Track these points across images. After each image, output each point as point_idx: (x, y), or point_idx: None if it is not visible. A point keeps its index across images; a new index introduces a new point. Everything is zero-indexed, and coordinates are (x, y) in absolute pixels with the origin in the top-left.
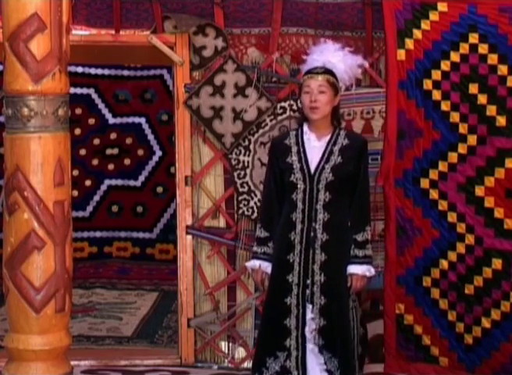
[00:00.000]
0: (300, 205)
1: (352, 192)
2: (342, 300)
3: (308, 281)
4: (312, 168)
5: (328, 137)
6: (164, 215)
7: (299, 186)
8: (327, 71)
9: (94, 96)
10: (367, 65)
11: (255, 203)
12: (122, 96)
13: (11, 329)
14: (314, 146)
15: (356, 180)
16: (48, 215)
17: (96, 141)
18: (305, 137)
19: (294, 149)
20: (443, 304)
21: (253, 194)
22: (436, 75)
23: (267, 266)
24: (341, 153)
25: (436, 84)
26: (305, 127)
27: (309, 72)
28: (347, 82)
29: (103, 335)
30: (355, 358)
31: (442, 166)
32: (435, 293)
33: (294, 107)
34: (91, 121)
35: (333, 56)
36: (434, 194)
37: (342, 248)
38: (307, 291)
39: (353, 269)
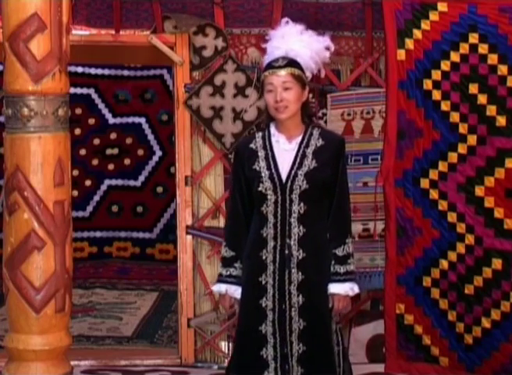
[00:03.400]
0: (271, 218)
1: (330, 200)
2: (324, 323)
3: (284, 306)
4: (283, 175)
5: (299, 138)
6: (164, 215)
7: (269, 197)
8: (290, 63)
9: (94, 96)
10: (332, 48)
11: None
12: (122, 96)
13: (11, 329)
14: (285, 149)
15: (334, 186)
16: (48, 215)
17: (96, 141)
18: (273, 140)
19: (261, 154)
20: (443, 304)
21: None
22: (436, 75)
23: (235, 290)
24: (315, 156)
25: (436, 84)
26: (272, 128)
27: (270, 66)
28: (315, 70)
29: (103, 335)
30: None
31: (442, 166)
32: (435, 293)
33: None
34: (91, 121)
35: (296, 42)
36: (434, 194)
37: (321, 266)
38: (286, 316)
39: (335, 288)
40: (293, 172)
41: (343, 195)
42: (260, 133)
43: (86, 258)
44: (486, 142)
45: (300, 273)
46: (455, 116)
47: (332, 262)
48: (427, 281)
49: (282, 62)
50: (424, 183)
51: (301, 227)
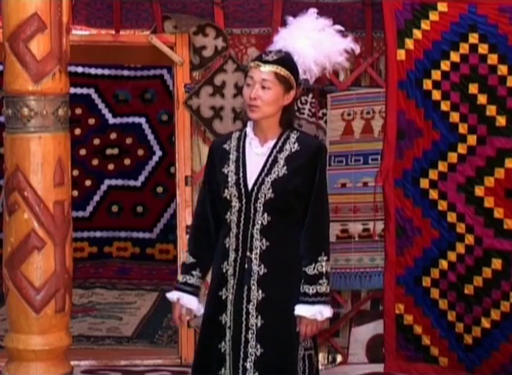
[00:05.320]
0: (234, 228)
1: (305, 212)
2: (285, 349)
3: (241, 326)
4: (250, 182)
5: (273, 142)
6: (164, 215)
7: (233, 204)
8: (279, 60)
9: (94, 96)
10: (358, 50)
11: None
12: (122, 96)
13: (11, 329)
14: (256, 153)
15: (308, 196)
16: (48, 215)
17: (96, 141)
18: (247, 141)
19: (233, 156)
20: (443, 304)
21: None
22: (436, 75)
23: (189, 300)
24: (287, 162)
25: (436, 84)
26: (249, 128)
27: (258, 58)
28: (317, 74)
29: (103, 335)
30: None
31: (442, 166)
32: (435, 293)
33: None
34: (91, 121)
35: (302, 38)
36: (434, 194)
37: (285, 284)
38: (242, 338)
39: (301, 310)
40: (260, 179)
41: (319, 207)
42: (237, 133)
43: (86, 258)
44: (486, 142)
45: (260, 291)
46: (455, 116)
47: (302, 281)
48: (426, 281)
49: (272, 57)
50: (424, 183)
51: (264, 240)
